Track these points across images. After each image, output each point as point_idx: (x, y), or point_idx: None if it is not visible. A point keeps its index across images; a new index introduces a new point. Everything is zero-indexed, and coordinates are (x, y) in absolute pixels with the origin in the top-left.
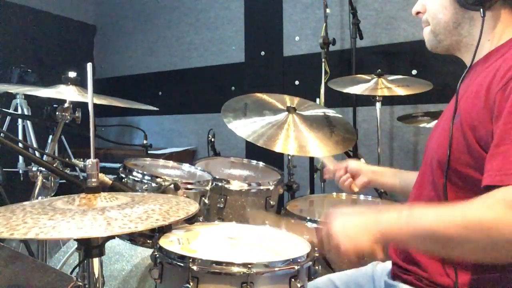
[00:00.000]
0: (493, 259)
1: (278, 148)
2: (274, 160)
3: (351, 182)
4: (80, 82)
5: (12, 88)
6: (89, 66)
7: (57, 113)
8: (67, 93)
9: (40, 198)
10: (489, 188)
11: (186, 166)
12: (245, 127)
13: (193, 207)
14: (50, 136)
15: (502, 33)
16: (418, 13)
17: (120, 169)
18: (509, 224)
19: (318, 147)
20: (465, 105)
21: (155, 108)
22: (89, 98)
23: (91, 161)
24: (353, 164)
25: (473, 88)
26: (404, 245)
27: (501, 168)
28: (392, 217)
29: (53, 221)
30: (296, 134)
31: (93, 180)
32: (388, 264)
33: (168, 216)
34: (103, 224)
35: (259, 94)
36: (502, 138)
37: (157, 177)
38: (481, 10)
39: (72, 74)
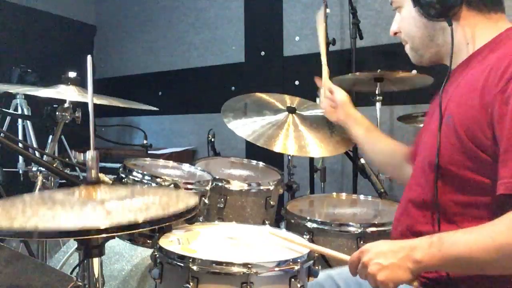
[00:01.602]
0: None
1: (278, 148)
2: (274, 160)
3: (329, 109)
4: (80, 82)
5: (12, 88)
6: (89, 58)
7: (57, 113)
8: (67, 93)
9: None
10: (504, 196)
11: (186, 166)
12: (245, 127)
13: (192, 200)
14: (50, 136)
15: (478, 34)
16: (395, 33)
17: (120, 169)
18: None
19: (318, 147)
20: (458, 107)
21: (155, 108)
22: (89, 93)
23: (91, 154)
24: (339, 96)
25: (463, 89)
26: (439, 270)
27: (507, 176)
28: (424, 246)
29: (53, 211)
30: (296, 134)
31: (93, 172)
32: None
33: (167, 208)
34: (103, 215)
35: (259, 94)
36: (508, 144)
37: (157, 177)
38: (447, 20)
39: (72, 74)
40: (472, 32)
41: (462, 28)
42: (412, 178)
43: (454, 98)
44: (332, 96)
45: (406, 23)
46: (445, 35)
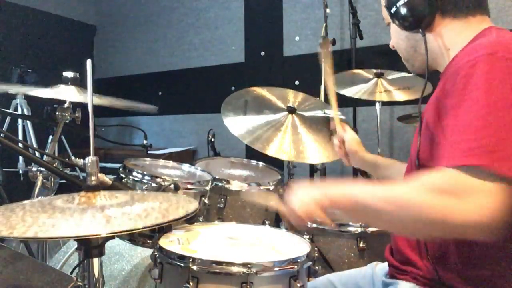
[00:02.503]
0: (412, 234)
1: (274, 152)
2: (274, 160)
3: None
4: (80, 82)
5: (12, 89)
6: (88, 62)
7: (57, 113)
8: (67, 93)
9: (40, 198)
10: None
11: (186, 166)
12: (243, 128)
13: (193, 206)
14: (50, 136)
15: (458, 39)
16: (393, 47)
17: (120, 169)
18: (422, 204)
19: (317, 152)
20: (427, 107)
21: (154, 107)
22: (89, 96)
23: (91, 159)
24: (349, 145)
25: (435, 92)
26: (345, 214)
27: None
28: (338, 188)
29: (53, 219)
30: (294, 137)
31: (93, 178)
32: (387, 265)
33: (167, 214)
34: (103, 222)
35: (259, 90)
36: (451, 132)
37: (157, 177)
38: (420, 30)
39: (71, 74)
40: (452, 38)
41: (439, 36)
42: (405, 178)
43: (429, 101)
44: (342, 145)
45: (394, 37)
46: (427, 43)
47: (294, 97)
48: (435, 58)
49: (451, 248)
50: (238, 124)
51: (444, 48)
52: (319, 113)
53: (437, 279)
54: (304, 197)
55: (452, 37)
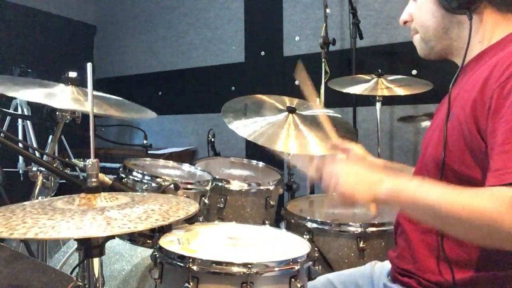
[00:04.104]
0: (485, 244)
1: (279, 147)
2: (274, 160)
3: None
4: (80, 82)
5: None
6: (89, 66)
7: (57, 113)
8: (64, 99)
9: (40, 198)
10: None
11: (186, 166)
12: (246, 127)
13: (193, 207)
14: (50, 136)
15: (492, 33)
16: (405, 22)
17: (120, 169)
18: (503, 219)
19: (319, 146)
20: (460, 102)
21: (153, 114)
22: (89, 98)
23: (91, 161)
24: (356, 153)
25: (468, 86)
26: (403, 209)
27: (503, 167)
28: (401, 182)
29: (53, 221)
30: (297, 133)
31: (93, 180)
32: (387, 265)
33: (168, 216)
34: (103, 224)
35: (258, 95)
36: (505, 137)
37: (157, 177)
38: (468, 13)
39: (72, 74)
40: (487, 30)
41: (478, 25)
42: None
43: (458, 95)
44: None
45: (422, 12)
46: (460, 29)
47: (290, 101)
48: (461, 47)
49: (471, 250)
50: (242, 125)
51: (476, 39)
52: (317, 112)
53: (451, 283)
54: (354, 177)
55: (488, 29)
